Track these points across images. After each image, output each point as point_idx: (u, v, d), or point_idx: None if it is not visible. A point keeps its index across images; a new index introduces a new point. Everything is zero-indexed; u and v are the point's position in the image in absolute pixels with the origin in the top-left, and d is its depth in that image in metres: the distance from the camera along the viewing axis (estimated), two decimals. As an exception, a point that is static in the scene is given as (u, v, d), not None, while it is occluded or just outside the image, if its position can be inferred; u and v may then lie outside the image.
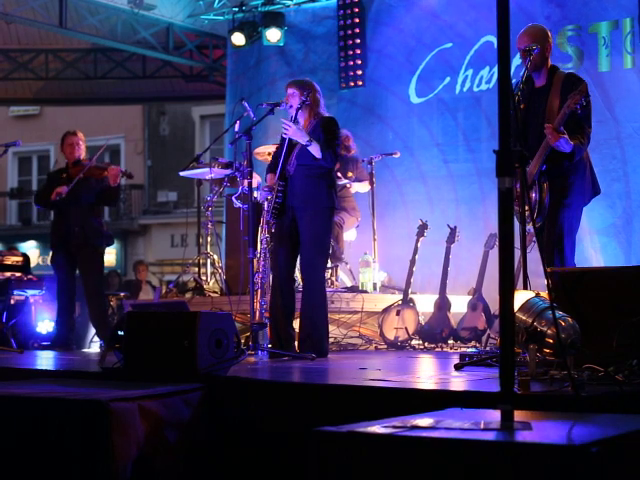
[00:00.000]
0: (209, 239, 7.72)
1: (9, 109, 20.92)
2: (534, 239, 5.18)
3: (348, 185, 7.66)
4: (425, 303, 7.19)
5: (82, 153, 7.38)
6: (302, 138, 5.34)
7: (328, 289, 6.75)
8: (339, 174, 7.28)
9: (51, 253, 7.51)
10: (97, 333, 7.44)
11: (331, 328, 6.27)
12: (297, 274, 5.92)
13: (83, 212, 7.16)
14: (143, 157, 21.76)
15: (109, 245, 7.47)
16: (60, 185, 7.15)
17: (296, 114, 5.44)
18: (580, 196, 5.11)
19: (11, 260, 8.07)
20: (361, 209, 7.88)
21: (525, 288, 4.29)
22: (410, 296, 7.04)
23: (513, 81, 5.12)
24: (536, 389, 3.04)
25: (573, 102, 4.81)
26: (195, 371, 3.78)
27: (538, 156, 4.99)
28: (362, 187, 7.76)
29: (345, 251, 7.71)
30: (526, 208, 5.07)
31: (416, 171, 8.92)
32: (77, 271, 7.35)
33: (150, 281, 15.23)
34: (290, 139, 5.46)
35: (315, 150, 5.36)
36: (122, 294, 11.27)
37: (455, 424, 2.15)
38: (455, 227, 7.24)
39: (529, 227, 4.66)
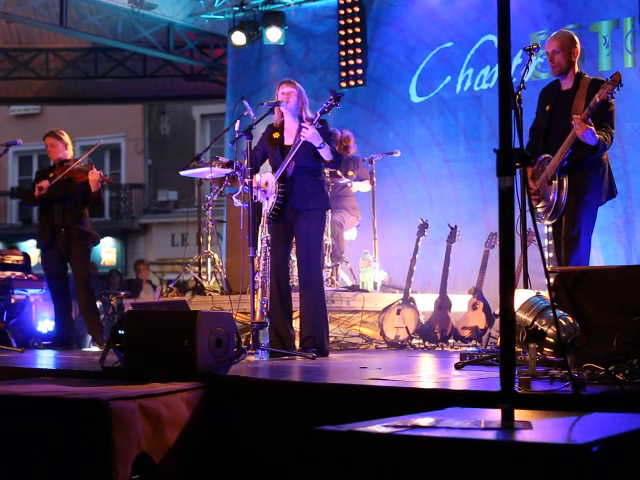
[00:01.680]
0: (209, 238, 7.72)
1: (9, 108, 20.93)
2: (534, 238, 5.19)
3: (349, 184, 7.66)
4: (425, 302, 7.19)
5: (61, 153, 7.26)
6: (317, 141, 5.36)
7: (329, 288, 6.76)
8: (339, 172, 7.28)
9: (40, 253, 7.39)
10: (88, 331, 7.35)
11: (331, 327, 6.27)
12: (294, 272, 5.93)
13: (67, 213, 7.09)
14: (143, 156, 21.76)
15: (96, 245, 7.41)
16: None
17: (318, 117, 5.44)
18: (597, 194, 5.21)
19: (11, 259, 8.06)
20: (361, 208, 7.88)
21: (525, 287, 4.30)
22: (410, 295, 7.04)
23: (514, 80, 5.15)
24: (536, 388, 3.03)
25: (605, 91, 4.91)
26: (195, 370, 3.78)
27: (560, 152, 5.10)
28: (363, 186, 7.76)
29: (346, 250, 7.71)
30: (540, 205, 5.16)
31: (417, 170, 8.92)
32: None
33: (150, 280, 15.23)
34: (284, 141, 5.51)
35: (326, 153, 5.39)
36: (122, 293, 11.28)
37: (455, 423, 2.15)
38: (455, 226, 7.24)
39: (529, 226, 4.67)
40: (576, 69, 5.34)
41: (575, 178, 5.15)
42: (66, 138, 7.33)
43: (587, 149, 5.07)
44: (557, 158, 5.12)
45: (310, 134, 5.34)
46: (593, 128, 4.95)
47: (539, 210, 5.26)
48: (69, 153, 7.30)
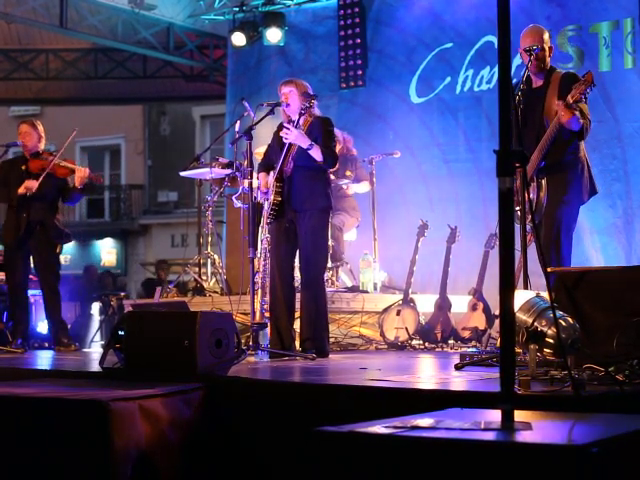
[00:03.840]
0: (209, 239, 7.71)
1: (9, 109, 20.92)
2: (534, 239, 5.18)
3: (345, 187, 7.64)
4: (425, 303, 7.18)
5: (33, 143, 6.90)
6: (304, 142, 5.34)
7: (329, 289, 6.75)
8: (332, 176, 7.28)
9: (4, 251, 7.09)
10: (54, 334, 6.99)
11: (331, 328, 6.27)
12: (296, 273, 5.92)
13: (45, 209, 6.82)
14: (143, 157, 21.76)
15: (66, 243, 7.15)
16: (21, 176, 6.79)
17: (298, 119, 5.43)
18: (578, 194, 5.11)
19: (11, 260, 8.03)
20: (361, 209, 7.88)
21: (525, 288, 4.29)
22: (410, 296, 7.04)
23: (513, 81, 5.13)
24: (536, 389, 3.03)
25: (578, 92, 4.80)
26: (195, 371, 3.78)
27: (537, 152, 4.99)
28: (361, 187, 7.74)
29: (345, 251, 7.71)
30: (519, 208, 5.10)
31: (416, 171, 8.92)
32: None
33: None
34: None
35: (316, 153, 5.37)
36: (122, 294, 11.30)
37: (455, 424, 2.15)
38: (455, 227, 7.24)
39: (529, 226, 4.66)
40: (548, 65, 5.21)
41: (554, 179, 5.04)
42: (41, 129, 7.00)
43: (564, 147, 4.98)
44: (534, 159, 5.00)
45: (293, 137, 5.33)
46: (578, 113, 4.84)
47: (518, 213, 5.19)
48: (42, 145, 6.99)
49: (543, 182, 5.04)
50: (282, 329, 5.45)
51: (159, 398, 3.38)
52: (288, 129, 5.33)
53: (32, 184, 6.72)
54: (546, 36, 5.17)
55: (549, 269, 4.05)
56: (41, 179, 6.71)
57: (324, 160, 5.39)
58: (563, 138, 5.00)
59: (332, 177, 7.24)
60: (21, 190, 6.75)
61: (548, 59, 5.18)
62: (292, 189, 5.46)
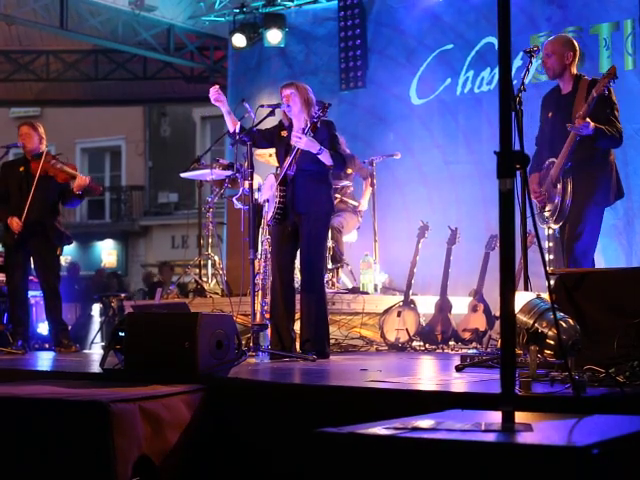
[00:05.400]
0: (210, 240, 7.72)
1: (10, 110, 20.93)
2: (534, 240, 5.19)
3: (343, 191, 7.64)
4: (426, 304, 7.19)
5: (35, 144, 6.89)
6: (314, 148, 5.34)
7: (329, 290, 6.75)
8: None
9: (4, 253, 7.09)
10: (55, 335, 6.98)
11: (332, 329, 6.27)
12: (296, 274, 5.93)
13: (45, 211, 6.82)
14: (144, 158, 21.77)
15: (67, 244, 7.16)
16: (20, 179, 6.82)
17: (310, 126, 5.42)
18: (606, 195, 5.23)
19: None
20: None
21: (526, 289, 4.30)
22: (411, 297, 7.04)
23: (514, 82, 5.16)
24: (537, 390, 3.03)
25: (601, 85, 4.93)
26: (196, 372, 3.78)
27: (563, 153, 5.08)
28: (352, 236, 7.75)
29: (346, 252, 7.71)
30: (547, 209, 5.16)
31: (417, 172, 8.92)
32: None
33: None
34: (290, 140, 5.48)
35: (326, 158, 5.37)
36: (123, 295, 11.30)
37: (456, 426, 2.14)
38: (456, 228, 7.24)
39: (530, 227, 4.66)
40: (574, 71, 5.35)
41: (582, 179, 5.14)
42: (41, 131, 6.98)
43: (590, 147, 5.08)
44: (560, 159, 5.12)
45: (303, 144, 5.33)
46: (588, 119, 4.96)
47: (546, 214, 5.25)
48: (43, 147, 6.96)
49: (569, 183, 5.10)
50: (282, 330, 5.45)
51: (159, 399, 3.38)
52: (299, 136, 5.33)
53: (18, 225, 6.68)
54: (561, 45, 5.31)
55: (550, 270, 4.05)
56: (28, 204, 6.67)
57: (334, 164, 5.41)
58: (591, 142, 5.12)
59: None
60: (9, 223, 6.73)
61: (564, 65, 5.30)
62: (296, 193, 5.45)
